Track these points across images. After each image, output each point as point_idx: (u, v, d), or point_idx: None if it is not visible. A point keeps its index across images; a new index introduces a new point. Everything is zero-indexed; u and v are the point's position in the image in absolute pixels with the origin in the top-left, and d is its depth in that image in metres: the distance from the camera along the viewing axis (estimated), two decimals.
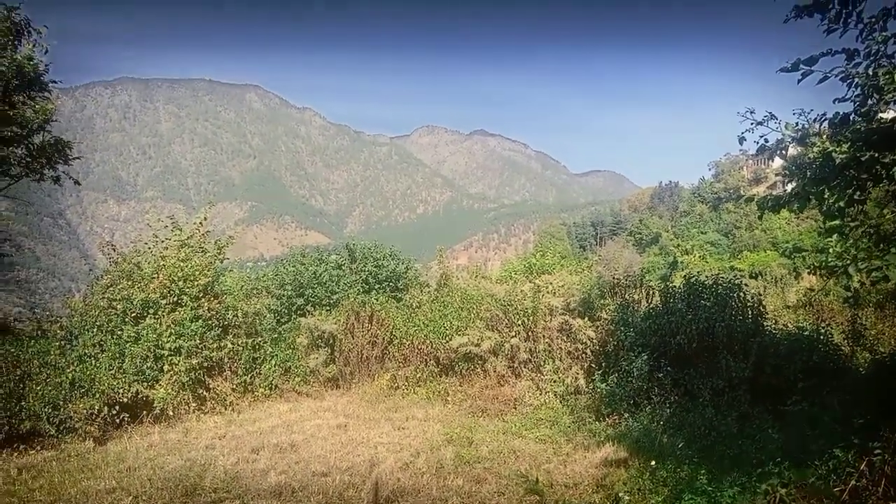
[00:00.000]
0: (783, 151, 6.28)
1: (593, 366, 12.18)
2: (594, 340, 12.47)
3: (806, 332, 11.82)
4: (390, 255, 22.03)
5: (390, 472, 8.33)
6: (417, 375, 13.84)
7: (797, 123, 6.16)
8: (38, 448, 10.22)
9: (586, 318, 12.89)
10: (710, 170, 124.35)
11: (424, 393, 13.21)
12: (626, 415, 10.14)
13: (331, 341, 14.97)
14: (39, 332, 13.82)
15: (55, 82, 15.22)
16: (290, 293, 18.54)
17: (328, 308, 17.34)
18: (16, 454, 9.86)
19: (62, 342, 12.65)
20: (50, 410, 10.63)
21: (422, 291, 19.14)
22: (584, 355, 12.49)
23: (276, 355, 14.08)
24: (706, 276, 13.11)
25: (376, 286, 20.07)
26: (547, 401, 11.69)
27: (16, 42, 14.10)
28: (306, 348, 14.98)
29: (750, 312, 11.60)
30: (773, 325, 12.26)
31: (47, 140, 14.99)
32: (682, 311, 11.39)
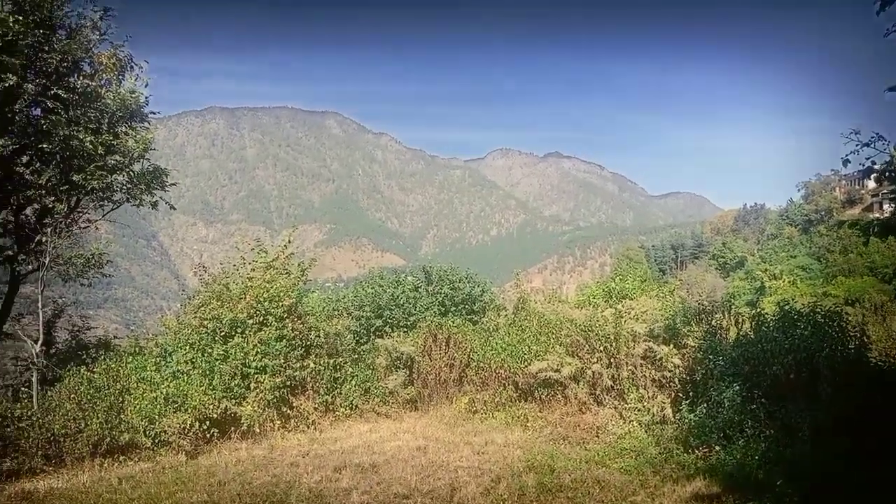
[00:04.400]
0: (893, 174, 5.89)
1: (680, 395, 11.69)
2: (681, 368, 12.00)
3: None
4: (466, 278, 22.08)
5: (472, 497, 8.25)
6: (496, 400, 13.70)
7: None
8: (136, 459, 10.73)
9: (671, 346, 12.42)
10: (799, 191, 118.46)
11: (503, 418, 13.05)
12: (718, 447, 9.63)
13: (409, 363, 15.07)
14: (137, 349, 14.58)
15: (154, 113, 16.22)
16: (368, 314, 18.87)
17: (405, 329, 17.52)
18: (116, 464, 10.39)
19: (157, 359, 13.33)
20: (146, 424, 11.16)
21: (498, 315, 19.03)
22: (670, 384, 12.02)
23: (357, 376, 14.30)
24: (801, 304, 12.42)
25: (452, 308, 20.14)
26: (631, 430, 11.29)
27: (121, 77, 15.12)
28: (385, 369, 15.14)
29: (852, 343, 10.88)
30: (879, 357, 11.43)
31: (146, 168, 15.92)
32: (778, 340, 10.80)
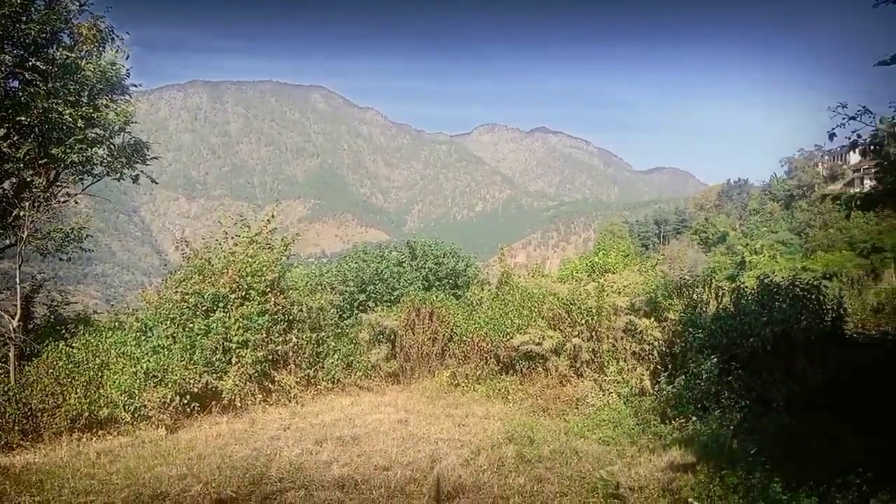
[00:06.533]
0: (877, 147, 5.91)
1: (659, 367, 11.86)
2: (661, 341, 12.14)
3: (890, 336, 11.17)
4: (450, 253, 22.05)
5: (452, 468, 8.33)
6: (477, 373, 13.81)
7: (893, 118, 5.79)
8: (115, 434, 10.71)
9: (652, 319, 12.55)
10: (782, 166, 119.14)
11: (484, 391, 13.17)
12: (694, 418, 9.78)
13: (392, 337, 15.11)
14: (117, 324, 14.45)
15: (135, 86, 15.88)
16: (352, 289, 18.82)
17: (389, 304, 17.52)
18: (95, 439, 10.38)
19: (138, 333, 13.22)
20: (126, 398, 11.12)
21: (482, 289, 19.08)
22: (649, 356, 12.17)
23: (339, 350, 14.33)
24: (781, 278, 12.57)
25: (436, 283, 20.15)
26: (610, 402, 11.45)
27: (101, 49, 14.77)
28: (368, 343, 15.18)
29: (829, 315, 11.05)
30: (854, 329, 11.64)
31: (127, 141, 15.64)
32: (756, 313, 10.95)
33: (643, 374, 11.75)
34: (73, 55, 13.90)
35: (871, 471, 6.02)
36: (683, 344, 11.73)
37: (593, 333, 12.57)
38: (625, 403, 11.27)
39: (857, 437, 8.24)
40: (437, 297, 16.25)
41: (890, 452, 7.03)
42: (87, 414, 10.70)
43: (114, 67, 14.72)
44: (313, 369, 13.59)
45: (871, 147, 5.97)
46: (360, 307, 18.09)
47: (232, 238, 14.69)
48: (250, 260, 13.84)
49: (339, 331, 15.48)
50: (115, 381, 11.26)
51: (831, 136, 6.18)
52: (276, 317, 13.37)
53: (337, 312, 17.31)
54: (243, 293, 13.33)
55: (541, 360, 12.79)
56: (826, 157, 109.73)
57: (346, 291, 18.76)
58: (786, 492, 6.15)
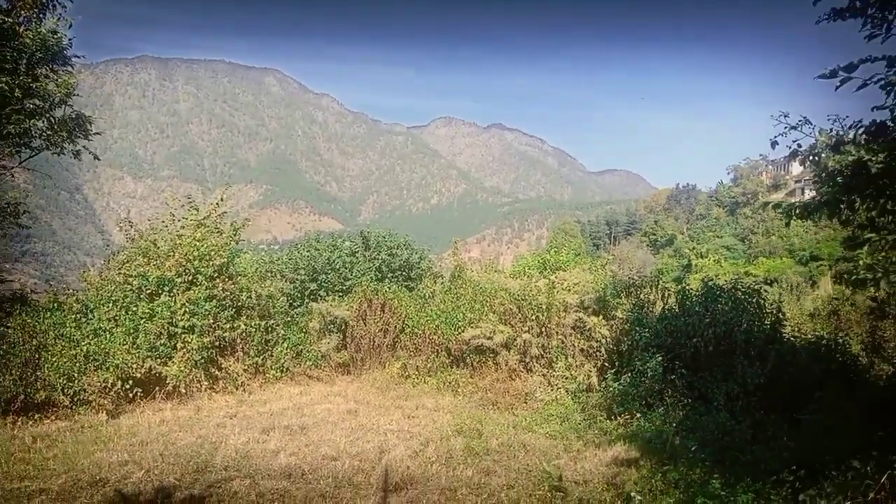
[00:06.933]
0: (816, 157, 6.16)
1: (606, 364, 12.11)
2: (608, 339, 12.40)
3: (824, 341, 11.69)
4: (404, 245, 21.99)
5: (400, 459, 8.34)
6: (428, 365, 13.84)
7: (831, 129, 6.04)
8: (53, 418, 10.32)
9: (601, 317, 12.81)
10: (728, 174, 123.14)
11: (435, 383, 13.21)
12: (638, 415, 10.05)
13: (343, 327, 15.00)
14: (55, 304, 13.90)
15: (78, 57, 15.25)
16: (303, 278, 18.58)
17: (341, 294, 17.38)
18: (31, 423, 9.98)
19: (78, 315, 12.74)
20: (65, 381, 10.71)
21: (435, 282, 19.11)
22: (597, 353, 12.42)
23: (289, 338, 14.13)
24: (724, 281, 12.99)
25: (389, 275, 20.07)
26: (558, 397, 11.64)
27: (41, 15, 14.13)
28: (318, 333, 15.02)
29: (769, 319, 11.48)
30: (792, 333, 12.14)
31: (68, 114, 15.03)
32: (700, 314, 11.29)
33: (590, 371, 11.98)
34: (10, 20, 13.27)
35: (803, 468, 6.28)
36: (630, 342, 12.01)
37: (543, 329, 12.74)
38: (572, 399, 11.47)
39: (791, 436, 8.61)
40: (389, 288, 16.20)
41: (819, 450, 7.38)
42: (22, 397, 10.27)
43: (55, 36, 14.12)
44: (262, 357, 13.38)
45: (811, 157, 6.22)
46: (311, 296, 17.88)
47: (179, 220, 14.30)
48: (198, 244, 13.51)
49: (289, 319, 15.27)
50: (53, 364, 10.83)
51: (773, 144, 6.39)
52: (223, 303, 13.09)
53: (287, 300, 17.08)
54: (190, 277, 13.02)
55: (491, 355, 12.90)
56: (770, 167, 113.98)
57: (296, 280, 18.53)
58: (724, 488, 6.36)
